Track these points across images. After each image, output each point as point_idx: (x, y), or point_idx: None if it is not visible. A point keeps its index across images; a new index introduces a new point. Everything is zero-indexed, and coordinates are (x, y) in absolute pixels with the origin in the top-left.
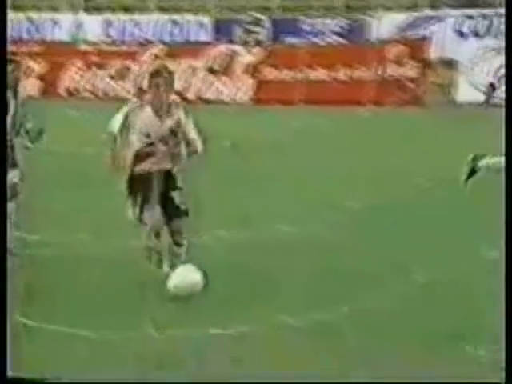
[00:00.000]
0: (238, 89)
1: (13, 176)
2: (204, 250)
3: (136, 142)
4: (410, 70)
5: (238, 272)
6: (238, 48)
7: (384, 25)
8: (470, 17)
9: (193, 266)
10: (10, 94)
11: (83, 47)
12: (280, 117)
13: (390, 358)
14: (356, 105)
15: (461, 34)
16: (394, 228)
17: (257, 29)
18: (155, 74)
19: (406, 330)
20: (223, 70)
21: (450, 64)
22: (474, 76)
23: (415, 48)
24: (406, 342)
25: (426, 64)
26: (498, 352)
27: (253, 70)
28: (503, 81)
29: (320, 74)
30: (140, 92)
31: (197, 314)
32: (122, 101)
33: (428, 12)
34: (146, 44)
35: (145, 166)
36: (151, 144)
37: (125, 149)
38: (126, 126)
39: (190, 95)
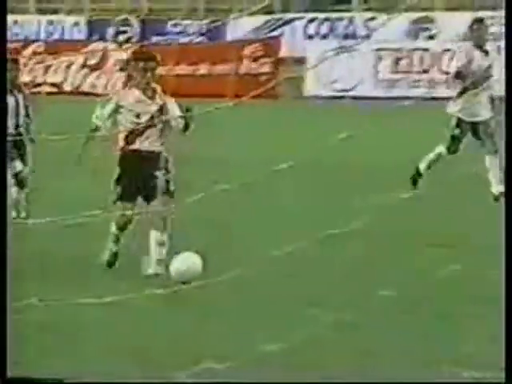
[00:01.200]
0: (109, 82)
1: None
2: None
3: (126, 123)
4: (264, 66)
5: None
6: (109, 45)
7: (242, 26)
8: (315, 20)
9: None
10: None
11: None
12: None
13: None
14: (217, 97)
15: (308, 35)
16: (255, 206)
17: (127, 29)
18: (141, 59)
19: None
20: (96, 65)
21: (299, 61)
22: (319, 72)
23: (269, 47)
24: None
25: (279, 61)
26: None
27: (123, 65)
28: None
29: (185, 69)
30: (16, 85)
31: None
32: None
33: (280, 15)
34: (26, 42)
35: (135, 146)
36: (140, 124)
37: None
38: (115, 111)
39: (67, 88)
